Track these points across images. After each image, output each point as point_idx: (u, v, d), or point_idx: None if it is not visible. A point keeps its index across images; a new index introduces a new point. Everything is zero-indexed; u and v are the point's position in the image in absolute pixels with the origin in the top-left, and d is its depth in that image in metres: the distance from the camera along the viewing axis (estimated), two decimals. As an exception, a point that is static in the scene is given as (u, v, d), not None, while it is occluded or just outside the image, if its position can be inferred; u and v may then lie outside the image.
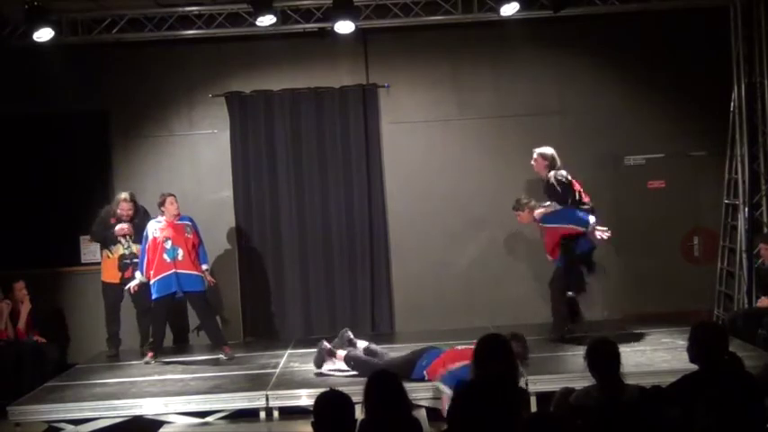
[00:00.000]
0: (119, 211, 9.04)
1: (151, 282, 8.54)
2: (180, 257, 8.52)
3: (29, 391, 7.86)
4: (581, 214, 8.40)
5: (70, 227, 9.49)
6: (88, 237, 9.54)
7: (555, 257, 8.58)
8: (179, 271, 8.52)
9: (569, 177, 8.44)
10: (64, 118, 10.01)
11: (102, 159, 10.07)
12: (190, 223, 8.73)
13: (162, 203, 8.63)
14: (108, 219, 9.10)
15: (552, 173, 8.45)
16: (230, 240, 10.11)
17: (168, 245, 8.52)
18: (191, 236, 8.67)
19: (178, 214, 8.66)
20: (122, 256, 9.05)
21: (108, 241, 9.10)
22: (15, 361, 8.70)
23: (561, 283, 8.56)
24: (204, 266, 8.77)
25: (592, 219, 8.42)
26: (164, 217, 8.62)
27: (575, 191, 8.46)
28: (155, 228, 8.60)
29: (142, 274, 8.61)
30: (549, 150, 8.57)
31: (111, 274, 9.11)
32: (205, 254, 8.83)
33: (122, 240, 9.03)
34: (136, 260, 9.00)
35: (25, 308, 9.05)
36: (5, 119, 9.90)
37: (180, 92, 10.13)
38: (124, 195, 9.10)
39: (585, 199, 8.54)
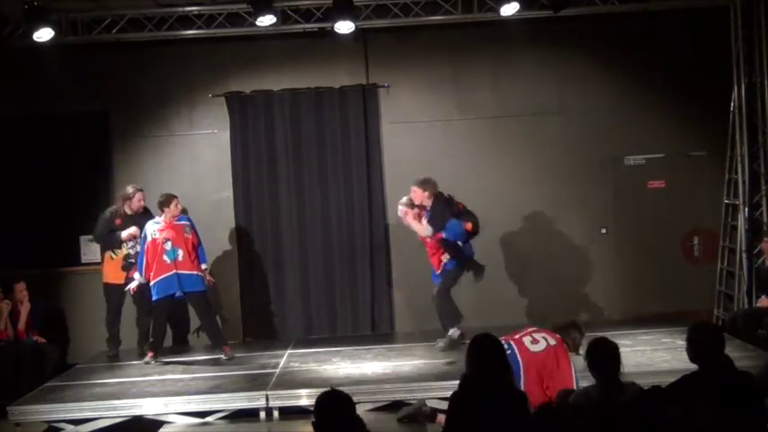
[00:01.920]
0: (135, 203, 8.98)
1: (151, 283, 8.53)
2: (180, 258, 8.51)
3: (29, 391, 7.86)
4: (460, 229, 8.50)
5: (70, 227, 9.49)
6: (89, 237, 9.51)
7: (442, 267, 8.58)
8: (180, 272, 8.51)
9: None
10: (64, 118, 10.01)
11: (102, 159, 10.07)
12: (188, 223, 8.71)
13: (166, 204, 8.55)
14: (113, 220, 9.02)
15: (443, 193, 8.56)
16: (230, 240, 10.11)
17: (168, 246, 8.50)
18: (190, 236, 8.65)
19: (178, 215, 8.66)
20: (127, 256, 9.00)
21: (113, 243, 9.04)
22: (15, 361, 8.69)
23: (447, 283, 8.57)
24: (203, 266, 8.77)
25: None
26: (162, 218, 8.60)
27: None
28: (153, 229, 8.56)
29: (141, 275, 8.59)
30: (423, 179, 8.56)
31: (114, 275, 9.06)
32: (204, 253, 8.82)
33: (127, 242, 9.00)
34: None
35: (25, 308, 9.04)
36: (5, 119, 9.90)
37: (180, 92, 10.13)
38: (137, 186, 9.05)
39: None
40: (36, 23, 8.68)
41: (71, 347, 9.92)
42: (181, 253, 8.52)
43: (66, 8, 9.27)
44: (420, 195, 8.51)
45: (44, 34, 8.77)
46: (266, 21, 9.09)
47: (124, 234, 8.93)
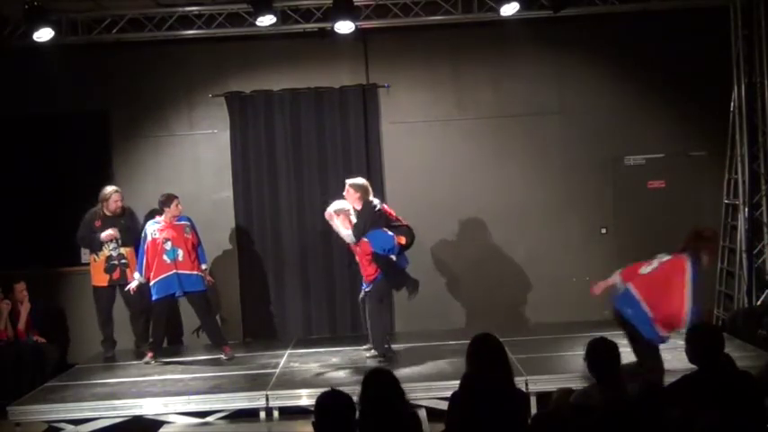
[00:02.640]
0: (111, 204, 8.97)
1: (151, 283, 8.53)
2: (180, 258, 8.52)
3: (29, 391, 7.87)
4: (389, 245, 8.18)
5: (70, 227, 9.46)
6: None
7: (372, 278, 8.20)
8: (180, 272, 8.51)
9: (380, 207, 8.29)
10: (64, 118, 10.01)
11: (102, 159, 10.07)
12: (188, 223, 8.72)
13: (167, 203, 8.57)
14: (93, 222, 9.02)
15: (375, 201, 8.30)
16: (230, 240, 10.11)
17: (168, 246, 8.51)
18: (190, 236, 8.66)
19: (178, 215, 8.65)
20: (109, 258, 8.99)
21: (94, 245, 9.03)
22: (15, 361, 8.70)
23: (379, 295, 8.29)
24: (203, 266, 8.77)
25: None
26: (162, 218, 8.61)
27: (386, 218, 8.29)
28: (153, 229, 8.58)
29: (141, 275, 8.59)
30: (360, 181, 8.41)
31: (99, 278, 9.06)
32: (204, 253, 8.82)
33: (108, 243, 8.98)
34: (124, 261, 8.98)
35: (25, 308, 9.04)
36: (5, 119, 9.90)
37: (180, 92, 10.13)
38: (114, 188, 9.07)
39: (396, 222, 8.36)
40: (36, 23, 8.68)
41: (71, 347, 9.91)
42: (181, 253, 8.52)
43: (66, 8, 9.26)
44: (352, 196, 8.30)
45: (44, 34, 8.77)
46: (266, 21, 9.09)
47: (103, 235, 8.93)
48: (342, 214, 8.22)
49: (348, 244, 8.41)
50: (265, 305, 10.09)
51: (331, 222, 8.33)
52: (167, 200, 8.58)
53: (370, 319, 8.33)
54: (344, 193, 8.39)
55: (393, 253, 8.17)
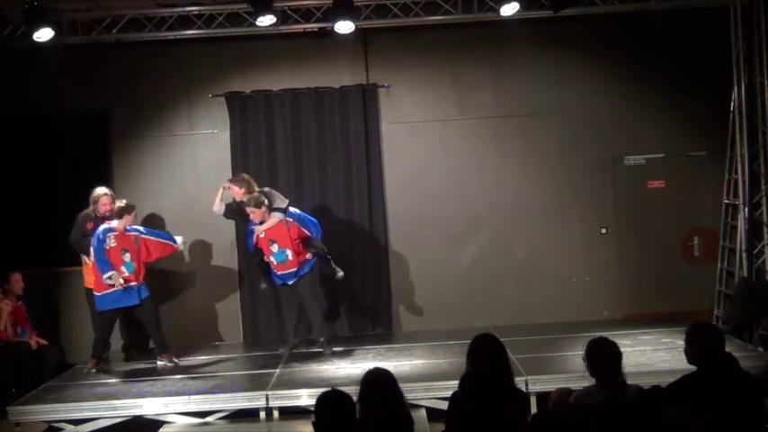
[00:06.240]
0: (101, 207, 8.85)
1: (99, 293, 8.41)
2: (133, 271, 8.41)
3: (29, 391, 7.88)
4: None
5: (70, 227, 9.47)
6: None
7: (302, 260, 8.59)
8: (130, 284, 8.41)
9: None
10: (64, 118, 10.01)
11: (102, 159, 10.06)
12: (137, 234, 8.54)
13: (119, 214, 8.46)
14: (85, 224, 8.92)
15: (266, 189, 8.73)
16: (230, 241, 10.09)
17: (127, 258, 8.39)
18: (138, 245, 8.51)
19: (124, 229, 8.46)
20: None
21: (85, 248, 8.90)
22: (15, 361, 8.69)
23: (312, 279, 8.80)
24: (178, 239, 8.76)
25: None
26: (115, 224, 8.44)
27: None
28: (109, 236, 8.39)
29: (113, 270, 8.39)
30: (240, 176, 8.86)
31: (90, 280, 8.91)
32: (167, 234, 8.80)
33: None
34: None
35: (6, 307, 8.91)
36: (5, 119, 9.89)
37: (180, 92, 10.12)
38: (104, 190, 8.95)
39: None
40: (36, 23, 8.67)
41: (71, 347, 9.90)
42: (134, 266, 8.45)
43: (67, 8, 9.26)
44: (237, 193, 8.73)
45: (44, 34, 8.76)
46: (266, 21, 9.08)
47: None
48: (260, 208, 8.46)
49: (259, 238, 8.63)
50: (265, 305, 10.07)
51: (265, 223, 8.55)
52: (120, 211, 8.46)
53: (314, 303, 8.72)
54: (230, 192, 8.79)
55: (320, 237, 8.69)
